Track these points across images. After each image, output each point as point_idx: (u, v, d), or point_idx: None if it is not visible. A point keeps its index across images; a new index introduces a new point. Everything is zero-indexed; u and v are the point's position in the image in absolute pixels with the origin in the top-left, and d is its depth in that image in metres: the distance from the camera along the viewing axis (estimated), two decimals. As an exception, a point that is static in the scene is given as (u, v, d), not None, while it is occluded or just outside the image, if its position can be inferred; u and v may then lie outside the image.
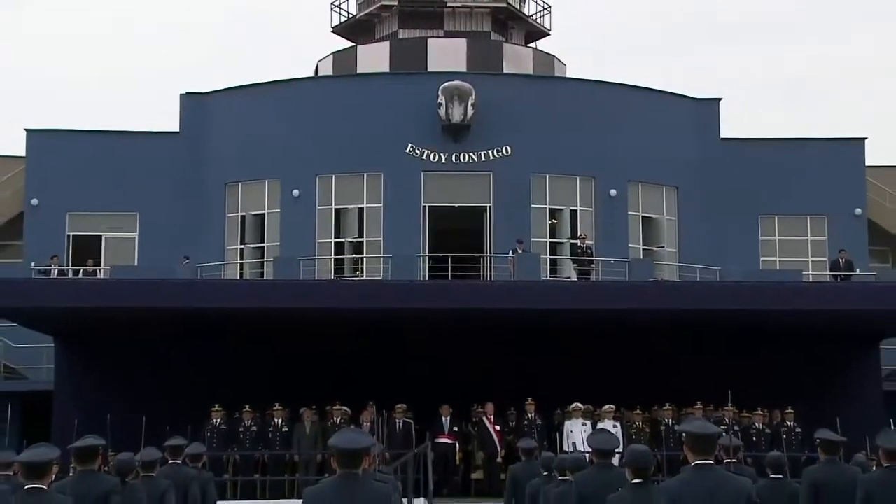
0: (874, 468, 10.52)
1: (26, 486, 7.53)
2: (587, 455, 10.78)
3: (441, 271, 25.94)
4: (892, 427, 11.40)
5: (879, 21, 71.87)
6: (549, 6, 35.36)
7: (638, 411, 21.22)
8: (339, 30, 35.01)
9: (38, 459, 7.64)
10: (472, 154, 28.08)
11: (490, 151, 28.09)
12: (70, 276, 26.98)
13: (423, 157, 28.03)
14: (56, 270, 26.50)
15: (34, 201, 29.33)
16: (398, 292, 22.11)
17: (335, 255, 28.22)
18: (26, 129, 29.86)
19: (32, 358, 26.33)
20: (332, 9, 35.04)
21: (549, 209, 28.58)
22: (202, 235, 28.76)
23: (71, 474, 9.40)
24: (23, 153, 29.90)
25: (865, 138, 30.74)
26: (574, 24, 69.82)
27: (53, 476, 7.90)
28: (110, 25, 72.43)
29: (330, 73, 32.47)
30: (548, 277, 26.75)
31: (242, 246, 29.13)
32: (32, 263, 27.02)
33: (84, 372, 23.11)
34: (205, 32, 72.48)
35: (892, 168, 31.82)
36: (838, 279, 26.66)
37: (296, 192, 28.19)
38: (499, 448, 20.95)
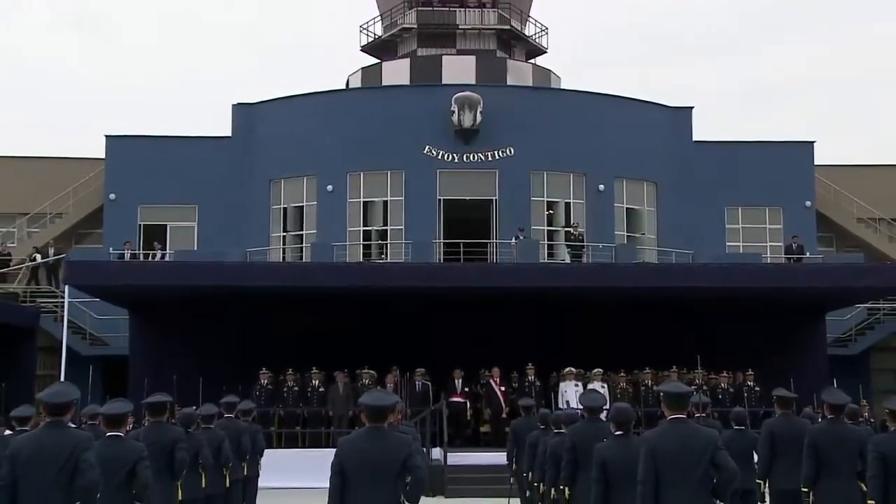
0: (820, 420, 10.57)
1: (107, 434, 7.65)
2: (579, 411, 10.81)
3: (454, 255, 25.93)
4: (835, 385, 11.42)
5: (829, 36, 71.49)
6: (546, 28, 35.30)
7: (622, 374, 21.21)
8: (366, 49, 35.00)
9: (117, 412, 7.76)
10: (480, 154, 28.02)
11: (496, 152, 28.03)
12: (141, 258, 27.14)
13: (438, 157, 27.99)
14: (129, 254, 26.67)
15: (112, 196, 29.40)
16: (417, 273, 22.14)
17: (363, 241, 28.23)
18: (106, 136, 29.87)
19: (112, 328, 26.45)
20: (360, 31, 35.12)
21: (547, 201, 28.50)
22: (250, 224, 28.80)
23: (144, 425, 9.49)
24: (102, 155, 29.95)
25: (814, 141, 30.66)
26: (567, 43, 69.84)
27: (129, 426, 8.02)
28: (168, 39, 72.59)
29: (359, 85, 32.45)
30: (545, 260, 26.68)
31: (284, 233, 29.13)
32: (110, 248, 27.14)
33: (154, 340, 23.21)
34: (251, 50, 72.53)
35: (836, 167, 31.71)
36: (791, 261, 26.65)
37: (330, 187, 28.18)
38: (503, 405, 20.86)
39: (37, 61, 69.34)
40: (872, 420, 18.96)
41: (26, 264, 28.34)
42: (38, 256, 28.26)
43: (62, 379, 19.27)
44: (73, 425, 7.23)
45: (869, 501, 7.89)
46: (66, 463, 6.58)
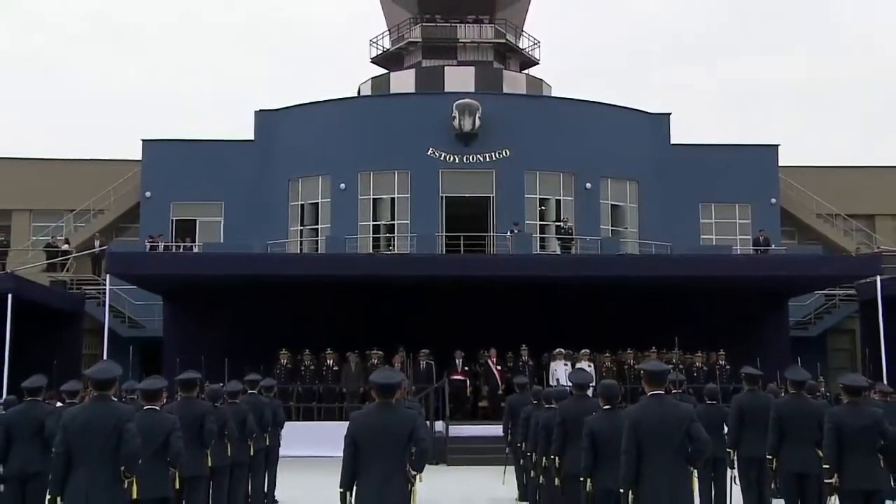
0: (783, 394, 10.61)
1: (145, 407, 7.70)
2: (568, 388, 10.82)
3: (455, 247, 25.92)
4: (798, 364, 11.46)
5: (793, 49, 71.42)
6: (539, 42, 35.25)
7: (607, 354, 21.21)
8: (376, 60, 34.95)
9: (153, 387, 7.82)
10: (478, 156, 27.99)
11: (493, 153, 28.02)
12: (173, 250, 27.16)
13: (441, 158, 27.97)
14: (162, 246, 26.69)
15: (147, 194, 29.41)
16: (422, 263, 22.18)
17: (373, 234, 28.20)
18: (142, 140, 29.91)
19: (148, 312, 26.51)
20: (370, 44, 35.08)
21: (539, 198, 28.46)
22: (271, 219, 28.80)
23: (176, 399, 9.52)
24: (139, 157, 30.00)
25: (779, 145, 30.69)
26: (557, 55, 69.73)
27: (164, 400, 8.06)
28: (192, 53, 72.51)
29: (369, 93, 32.41)
30: (538, 252, 26.70)
31: (301, 227, 29.10)
32: (146, 241, 27.18)
33: (185, 323, 23.25)
34: (271, 62, 72.43)
35: (798, 168, 31.68)
36: (758, 253, 26.65)
37: (342, 186, 28.17)
38: (500, 383, 20.84)
39: (75, 70, 69.34)
40: (828, 394, 19.00)
41: (72, 255, 28.40)
42: (63, 244, 28.48)
43: (105, 358, 19.33)
44: (116, 399, 7.26)
45: (825, 465, 8.01)
46: (112, 432, 6.65)
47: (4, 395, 15.36)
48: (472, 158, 27.96)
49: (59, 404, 10.43)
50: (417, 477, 6.66)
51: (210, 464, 9.29)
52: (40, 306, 23.38)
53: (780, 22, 72.66)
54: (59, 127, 65.25)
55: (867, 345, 23.39)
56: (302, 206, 29.12)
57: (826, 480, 7.98)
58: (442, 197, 27.96)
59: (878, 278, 22.05)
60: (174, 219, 29.41)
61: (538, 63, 35.05)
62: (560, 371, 19.87)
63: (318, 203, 28.85)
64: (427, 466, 6.87)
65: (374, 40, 34.96)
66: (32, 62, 68.73)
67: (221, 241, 28.21)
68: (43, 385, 9.50)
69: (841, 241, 30.96)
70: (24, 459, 8.98)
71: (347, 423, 6.72)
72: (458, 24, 33.07)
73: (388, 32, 34.63)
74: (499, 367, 21.20)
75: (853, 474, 7.83)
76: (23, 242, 30.36)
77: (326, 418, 20.13)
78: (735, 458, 10.07)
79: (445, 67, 31.87)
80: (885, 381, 16.71)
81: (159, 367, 20.92)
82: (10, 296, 20.60)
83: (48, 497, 6.73)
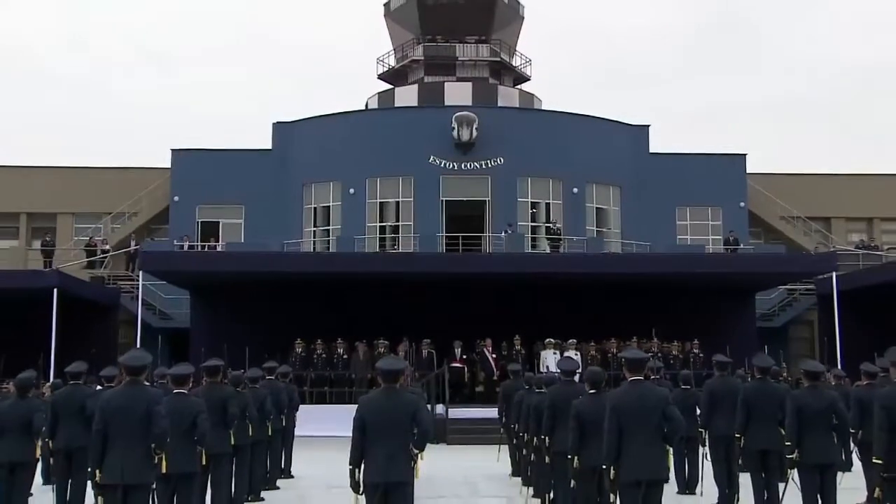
0: (750, 379, 10.63)
1: (174, 391, 7.74)
2: (557, 374, 10.83)
3: (454, 246, 25.92)
4: (765, 352, 11.47)
5: (760, 68, 71.43)
6: (530, 59, 35.25)
7: (592, 343, 21.17)
8: (382, 76, 34.95)
9: (181, 373, 7.86)
10: (476, 163, 27.99)
11: (488, 161, 28.00)
12: (198, 249, 27.15)
13: (441, 166, 27.97)
14: (187, 245, 26.67)
15: (176, 198, 29.39)
16: (424, 261, 22.16)
17: (379, 234, 28.19)
18: (172, 149, 29.94)
19: (176, 305, 26.46)
20: (377, 62, 35.07)
21: (531, 202, 28.44)
22: (287, 221, 28.76)
23: (202, 384, 9.56)
24: (168, 165, 30.00)
25: (746, 154, 30.68)
26: (547, 72, 69.61)
27: (191, 385, 8.09)
28: (216, 71, 72.50)
29: (376, 106, 32.41)
30: (529, 251, 26.69)
31: (315, 228, 29.06)
32: (174, 241, 27.18)
33: (210, 315, 23.23)
34: (288, 79, 72.41)
35: (764, 174, 31.65)
36: (728, 251, 26.67)
37: (352, 190, 28.16)
38: (495, 370, 20.80)
39: (115, 89, 69.38)
40: (790, 379, 19.03)
41: (109, 254, 28.40)
42: (102, 244, 28.51)
43: (137, 346, 19.35)
44: (147, 383, 7.30)
45: (787, 442, 8.11)
46: (143, 414, 6.70)
47: (52, 379, 15.43)
48: (470, 165, 27.96)
49: (97, 387, 10.50)
50: (419, 455, 6.67)
51: (233, 442, 9.32)
52: (81, 300, 23.45)
53: (750, 43, 72.71)
54: (99, 139, 65.47)
55: (824, 334, 23.45)
56: (315, 209, 29.11)
57: (787, 455, 8.07)
58: (442, 200, 27.95)
59: (834, 274, 22.11)
60: (200, 221, 29.40)
61: (529, 79, 35.05)
62: (549, 359, 19.86)
63: (329, 206, 28.84)
64: (428, 445, 6.88)
65: (381, 59, 34.97)
66: (76, 81, 68.83)
67: (242, 240, 28.17)
68: (84, 370, 9.65)
69: (801, 240, 30.97)
70: (69, 436, 9.21)
71: (356, 406, 6.73)
72: (457, 44, 33.07)
73: (393, 51, 34.62)
74: (494, 356, 21.18)
75: (811, 450, 7.93)
76: (66, 242, 30.37)
77: (337, 402, 20.11)
78: (706, 436, 10.10)
79: (445, 83, 31.86)
80: (839, 367, 16.80)
81: (187, 355, 20.85)
82: (55, 290, 20.72)
83: (89, 469, 6.79)
